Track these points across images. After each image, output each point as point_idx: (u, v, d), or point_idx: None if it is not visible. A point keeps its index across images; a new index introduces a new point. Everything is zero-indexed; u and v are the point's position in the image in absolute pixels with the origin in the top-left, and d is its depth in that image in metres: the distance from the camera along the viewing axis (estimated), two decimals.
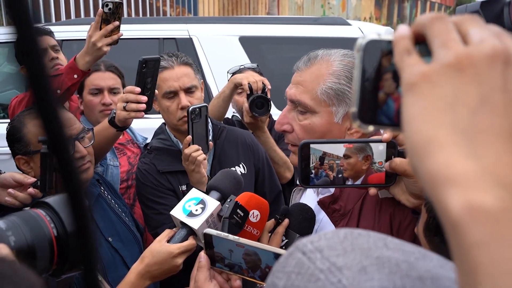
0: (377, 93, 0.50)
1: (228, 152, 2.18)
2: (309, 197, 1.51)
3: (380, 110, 0.51)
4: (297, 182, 2.60)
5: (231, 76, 2.76)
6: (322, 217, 1.42)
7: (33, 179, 1.65)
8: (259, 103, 2.36)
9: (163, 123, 2.23)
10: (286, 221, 1.36)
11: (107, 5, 2.03)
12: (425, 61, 0.45)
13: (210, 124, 2.10)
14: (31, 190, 1.63)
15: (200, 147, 1.90)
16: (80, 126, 1.83)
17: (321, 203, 1.34)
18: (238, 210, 1.28)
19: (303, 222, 1.35)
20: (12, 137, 1.80)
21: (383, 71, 0.50)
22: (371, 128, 0.51)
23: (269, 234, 1.37)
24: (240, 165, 2.18)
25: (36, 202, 0.79)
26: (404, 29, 0.48)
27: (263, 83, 2.40)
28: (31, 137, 1.74)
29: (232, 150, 2.20)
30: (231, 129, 2.30)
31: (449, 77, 0.43)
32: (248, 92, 2.38)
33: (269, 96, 2.50)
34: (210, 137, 2.08)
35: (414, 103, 0.44)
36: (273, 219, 1.38)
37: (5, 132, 1.84)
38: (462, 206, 0.39)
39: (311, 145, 1.15)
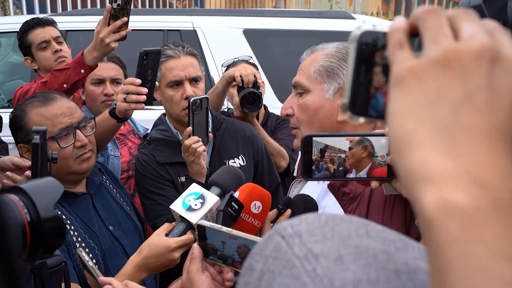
0: (369, 86, 0.50)
1: (228, 144, 2.19)
2: (311, 187, 1.53)
3: (370, 103, 0.50)
4: (295, 174, 2.62)
5: (225, 69, 2.77)
6: (325, 204, 1.45)
7: (30, 163, 1.68)
8: (250, 98, 2.37)
9: (162, 113, 2.23)
10: (289, 211, 1.37)
11: (115, 1, 2.01)
12: (417, 55, 0.44)
13: (210, 116, 2.11)
14: (28, 173, 1.65)
15: (200, 139, 1.91)
16: (82, 114, 1.84)
17: (330, 186, 1.36)
18: (233, 203, 1.29)
19: (305, 213, 1.36)
20: (14, 125, 1.81)
21: (375, 64, 0.50)
22: (361, 120, 0.51)
23: (271, 224, 1.38)
24: (240, 157, 2.19)
25: (10, 188, 0.80)
26: (399, 22, 0.47)
27: (254, 76, 2.40)
28: (32, 126, 1.76)
29: (232, 142, 2.20)
30: (230, 121, 2.30)
31: (435, 73, 0.42)
32: (240, 84, 2.38)
33: (262, 89, 2.49)
34: (210, 129, 2.09)
35: (399, 98, 0.43)
36: (275, 209, 1.39)
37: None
38: (436, 203, 0.39)
39: (314, 138, 1.16)
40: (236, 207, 1.29)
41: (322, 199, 1.46)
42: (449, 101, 0.41)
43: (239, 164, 2.17)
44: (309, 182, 1.56)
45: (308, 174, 1.18)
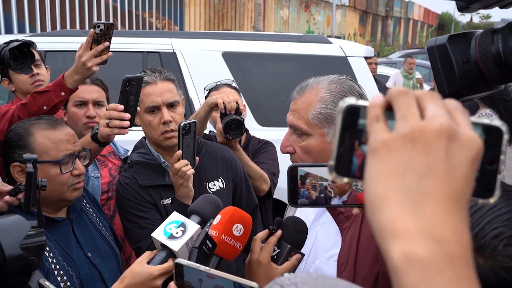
0: (352, 151, 0.58)
1: (208, 167, 2.23)
2: (305, 210, 1.65)
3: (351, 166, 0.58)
4: (275, 197, 2.67)
5: (208, 92, 2.82)
6: (324, 220, 1.63)
7: (10, 187, 1.67)
8: (233, 125, 2.43)
9: (143, 137, 2.27)
10: (279, 232, 1.41)
11: (98, 26, 2.06)
12: (391, 125, 0.53)
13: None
14: (7, 198, 1.65)
15: (189, 162, 1.95)
16: (81, 144, 1.88)
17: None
18: (207, 241, 1.31)
19: (295, 234, 1.41)
20: (14, 143, 1.80)
21: (356, 133, 0.58)
22: (345, 179, 0.59)
23: (262, 243, 1.43)
24: (219, 180, 2.23)
25: None
26: (377, 98, 0.56)
27: (237, 103, 2.46)
28: (37, 147, 1.77)
29: (211, 165, 2.25)
30: (210, 144, 2.35)
31: (404, 146, 0.51)
32: (223, 111, 2.44)
33: (243, 113, 2.55)
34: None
35: (375, 166, 0.52)
36: (266, 230, 1.43)
37: None
38: (400, 255, 0.47)
39: (298, 168, 1.22)
40: (210, 245, 1.32)
41: (320, 217, 1.62)
42: (414, 170, 0.50)
43: (219, 186, 2.22)
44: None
45: (294, 200, 1.24)
